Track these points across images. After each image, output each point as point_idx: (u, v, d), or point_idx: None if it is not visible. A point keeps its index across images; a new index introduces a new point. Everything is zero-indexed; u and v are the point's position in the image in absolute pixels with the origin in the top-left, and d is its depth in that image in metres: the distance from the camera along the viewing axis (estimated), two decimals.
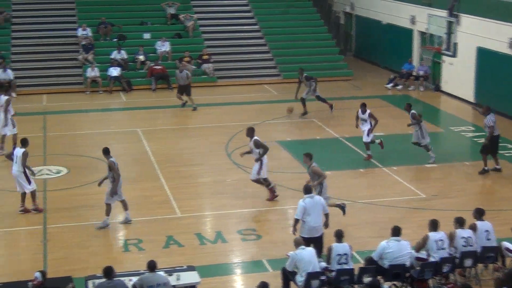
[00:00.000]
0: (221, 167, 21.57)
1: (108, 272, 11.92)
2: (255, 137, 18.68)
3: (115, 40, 34.64)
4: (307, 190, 14.87)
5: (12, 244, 16.42)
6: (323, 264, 13.28)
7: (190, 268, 13.34)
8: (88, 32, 34.39)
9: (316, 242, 14.38)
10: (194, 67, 33.01)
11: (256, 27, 37.09)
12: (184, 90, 28.58)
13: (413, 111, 21.71)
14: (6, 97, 22.91)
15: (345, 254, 13.18)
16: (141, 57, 33.24)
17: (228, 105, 29.28)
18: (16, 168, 17.81)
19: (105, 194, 17.20)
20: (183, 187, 19.75)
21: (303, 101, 27.14)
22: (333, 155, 22.58)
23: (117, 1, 37.71)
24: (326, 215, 14.83)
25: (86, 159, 22.16)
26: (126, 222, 17.31)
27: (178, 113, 28.24)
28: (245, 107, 29.06)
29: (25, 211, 17.90)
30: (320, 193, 16.06)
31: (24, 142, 18.11)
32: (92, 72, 31.74)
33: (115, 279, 11.96)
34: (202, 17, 37.24)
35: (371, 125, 21.85)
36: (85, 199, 19.06)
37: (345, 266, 13.14)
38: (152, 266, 12.23)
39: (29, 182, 17.92)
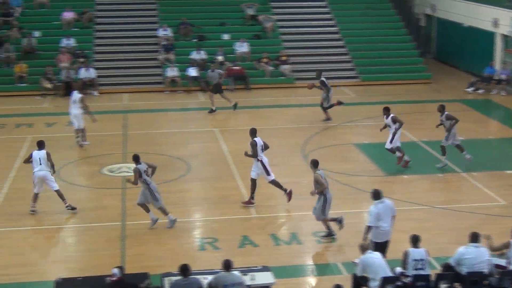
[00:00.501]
0: (297, 168, 21.53)
1: (184, 270, 12.03)
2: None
3: (194, 40, 35.03)
4: (377, 195, 14.65)
5: (92, 240, 16.75)
6: (399, 269, 13.11)
7: (265, 269, 13.34)
8: (169, 32, 34.89)
9: (385, 246, 14.25)
10: (272, 68, 33.12)
11: (335, 28, 36.94)
12: (217, 89, 28.78)
13: (447, 112, 21.23)
14: (80, 95, 23.60)
15: (422, 259, 12.97)
16: (220, 58, 33.51)
17: (305, 106, 29.22)
18: (44, 168, 17.95)
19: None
20: (258, 188, 19.81)
21: (324, 108, 26.78)
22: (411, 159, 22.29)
23: (198, 1, 38.09)
24: (393, 217, 14.65)
25: (164, 158, 22.47)
26: (154, 222, 17.24)
27: (255, 114, 28.33)
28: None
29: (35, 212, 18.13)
30: (322, 207, 16.15)
31: (41, 144, 18.29)
32: (172, 72, 32.18)
33: (190, 277, 12.07)
34: (281, 18, 37.31)
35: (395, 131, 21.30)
36: (164, 196, 19.26)
37: (422, 272, 12.93)
38: (227, 265, 12.29)
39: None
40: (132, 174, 17.04)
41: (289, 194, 18.65)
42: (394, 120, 21.23)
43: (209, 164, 21.94)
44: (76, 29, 35.26)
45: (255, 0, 37.42)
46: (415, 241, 13.14)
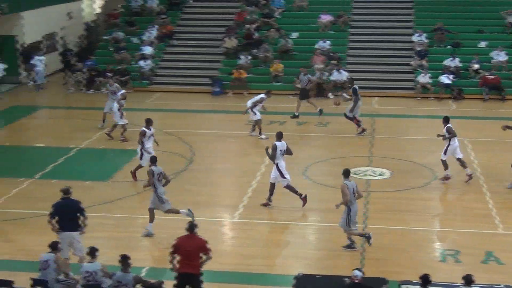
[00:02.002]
0: None
1: (426, 280, 11.80)
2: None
3: (449, 47, 34.24)
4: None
5: (333, 239, 16.95)
6: None
7: None
8: (424, 38, 34.42)
9: None
10: None
11: None
12: (304, 95, 28.02)
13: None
14: (123, 92, 25.22)
15: None
16: (475, 66, 32.45)
17: None
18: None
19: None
20: (509, 203, 18.94)
21: (350, 118, 25.63)
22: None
23: (455, 7, 37.15)
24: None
25: (410, 164, 22.25)
26: (147, 235, 16.92)
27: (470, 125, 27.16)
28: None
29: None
30: (347, 219, 15.63)
31: (149, 121, 20.56)
32: (424, 78, 31.72)
33: None
34: None
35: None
36: (406, 203, 19.15)
37: None
38: (468, 281, 11.90)
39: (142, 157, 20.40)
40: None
41: (304, 199, 18.65)
42: (448, 131, 20.42)
43: (455, 174, 21.33)
44: (331, 32, 35.97)
45: None
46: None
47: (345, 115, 25.96)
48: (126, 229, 17.31)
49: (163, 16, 37.59)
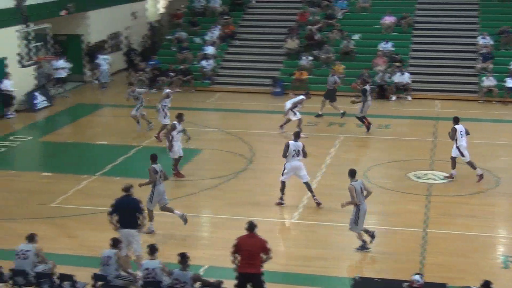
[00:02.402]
0: None
1: (487, 286, 11.56)
2: None
3: None
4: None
5: (392, 243, 16.83)
6: None
7: None
8: (488, 40, 33.83)
9: None
10: None
11: None
12: (330, 95, 27.67)
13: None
14: (167, 91, 25.27)
15: None
16: None
17: None
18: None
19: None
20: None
21: (361, 120, 25.67)
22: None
23: None
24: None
25: (469, 168, 21.87)
26: (149, 232, 16.87)
27: None
28: None
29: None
30: (355, 218, 15.52)
31: (180, 116, 20.80)
32: (488, 82, 31.20)
33: None
34: None
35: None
36: (468, 208, 18.86)
37: None
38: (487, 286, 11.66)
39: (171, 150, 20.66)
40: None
41: (279, 203, 18.88)
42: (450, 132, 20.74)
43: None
44: (394, 34, 35.67)
45: None
46: None
47: (356, 117, 26.03)
48: (185, 227, 17.46)
49: (225, 17, 37.81)
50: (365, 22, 37.02)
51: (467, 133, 20.87)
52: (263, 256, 13.05)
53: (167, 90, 25.63)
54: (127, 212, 14.72)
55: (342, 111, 27.61)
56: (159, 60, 35.41)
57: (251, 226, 13.19)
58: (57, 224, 17.98)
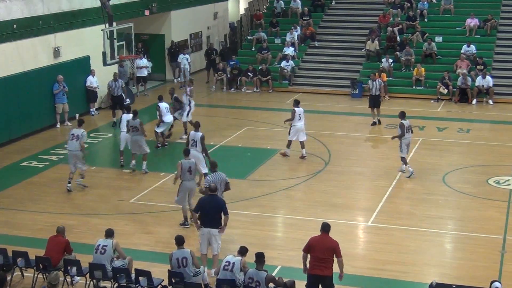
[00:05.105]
0: None
1: None
2: None
3: None
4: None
5: (470, 249, 16.52)
6: None
7: None
8: None
9: None
10: None
11: None
12: (375, 101, 26.94)
13: (402, 121, 20.75)
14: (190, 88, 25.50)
15: None
16: None
17: None
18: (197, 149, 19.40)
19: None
20: None
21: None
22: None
23: None
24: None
25: None
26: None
27: None
28: None
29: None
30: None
31: (197, 125, 20.18)
32: None
33: None
34: None
35: None
36: None
37: None
38: None
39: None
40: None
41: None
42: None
43: None
44: (478, 36, 34.94)
45: None
46: None
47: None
48: (261, 227, 17.55)
49: (306, 18, 37.78)
50: (447, 24, 36.40)
51: None
52: (335, 259, 12.97)
53: (190, 88, 25.82)
54: (210, 211, 14.87)
55: (374, 120, 27.27)
56: (239, 60, 35.66)
57: (325, 227, 13.15)
58: (135, 220, 18.34)
